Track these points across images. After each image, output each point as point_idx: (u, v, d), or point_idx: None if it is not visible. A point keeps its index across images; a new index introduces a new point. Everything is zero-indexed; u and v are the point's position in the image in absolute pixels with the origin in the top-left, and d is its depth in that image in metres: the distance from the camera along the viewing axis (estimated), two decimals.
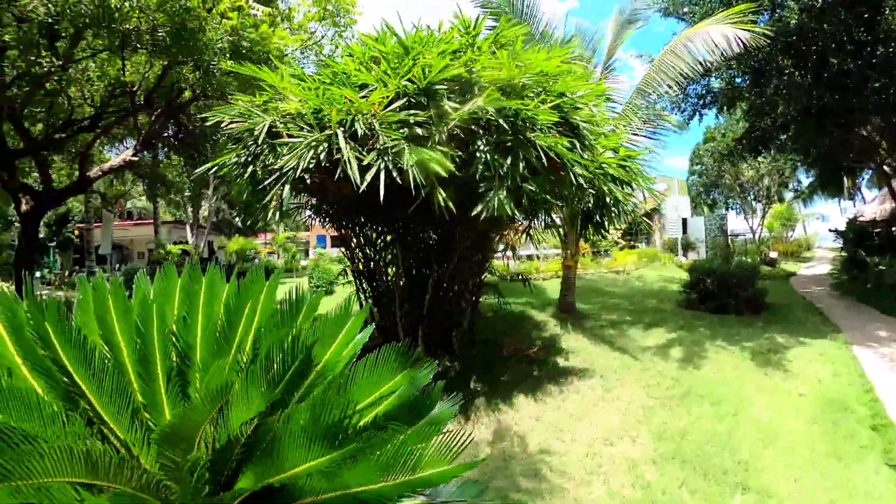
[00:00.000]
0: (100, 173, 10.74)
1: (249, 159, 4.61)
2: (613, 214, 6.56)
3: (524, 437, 5.37)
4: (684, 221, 21.40)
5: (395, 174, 3.93)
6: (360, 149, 4.12)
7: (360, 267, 6.50)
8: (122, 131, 12.08)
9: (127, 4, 6.68)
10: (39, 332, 1.98)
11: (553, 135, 4.87)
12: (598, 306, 10.63)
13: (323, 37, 9.91)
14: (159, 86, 8.74)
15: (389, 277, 6.24)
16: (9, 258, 17.65)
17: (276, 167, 4.19)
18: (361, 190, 3.88)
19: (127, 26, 6.93)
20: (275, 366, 2.11)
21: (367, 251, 6.50)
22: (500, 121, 4.47)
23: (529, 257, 15.83)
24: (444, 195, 4.16)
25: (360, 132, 4.11)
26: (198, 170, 7.25)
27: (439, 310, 6.12)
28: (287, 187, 4.11)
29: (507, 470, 4.71)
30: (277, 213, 4.41)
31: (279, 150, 4.33)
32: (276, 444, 1.87)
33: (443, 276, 5.98)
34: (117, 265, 23.43)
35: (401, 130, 4.26)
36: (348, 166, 3.92)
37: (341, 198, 5.46)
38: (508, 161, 4.54)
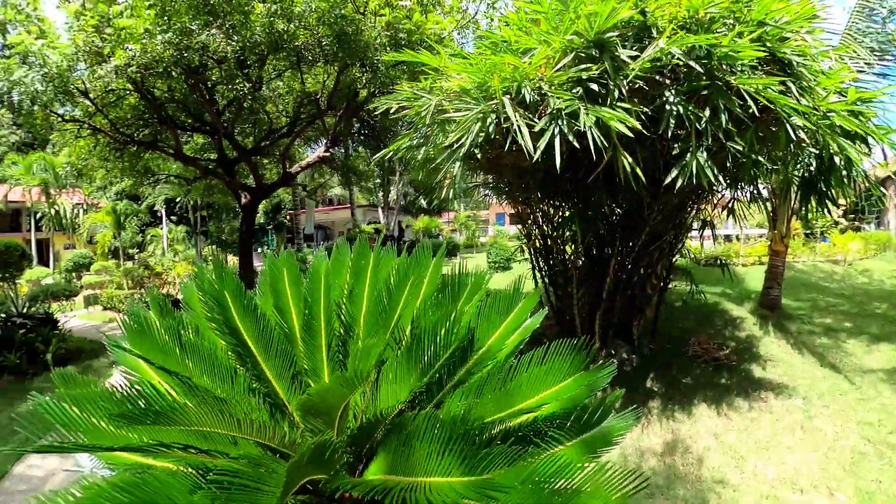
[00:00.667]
0: (299, 169, 13.20)
1: (421, 141, 4.66)
2: (844, 180, 5.06)
3: (698, 456, 4.51)
4: None
5: (571, 138, 3.51)
6: (530, 116, 3.80)
7: (537, 244, 6.18)
8: (314, 133, 14.26)
9: (292, 26, 7.55)
10: (218, 298, 2.11)
11: (759, 76, 3.87)
12: (809, 305, 8.53)
13: (476, 13, 9.95)
14: (336, 89, 9.76)
15: (567, 256, 5.79)
16: (236, 239, 22.93)
17: (445, 145, 4.12)
18: (536, 160, 3.55)
19: (297, 44, 7.86)
20: (430, 347, 1.95)
21: (544, 227, 6.13)
22: (692, 63, 3.69)
23: (728, 238, 13.42)
24: (629, 160, 3.59)
25: (528, 98, 3.79)
26: (375, 156, 7.87)
27: (620, 294, 5.47)
28: (458, 164, 4.01)
29: (670, 492, 3.97)
30: (451, 192, 4.36)
31: (447, 128, 4.27)
32: (413, 441, 1.62)
33: (626, 257, 5.31)
34: (322, 242, 28.25)
35: (573, 91, 3.81)
36: (518, 135, 3.63)
37: (517, 172, 5.22)
38: (706, 113, 3.73)
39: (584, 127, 3.45)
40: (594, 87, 3.76)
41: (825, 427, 4.86)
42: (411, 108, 4.88)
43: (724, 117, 3.72)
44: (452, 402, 1.96)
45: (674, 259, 6.01)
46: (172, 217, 30.20)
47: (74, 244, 28.42)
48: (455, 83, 4.57)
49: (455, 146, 3.99)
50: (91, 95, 9.12)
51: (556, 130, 3.57)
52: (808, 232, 13.07)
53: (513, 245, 12.95)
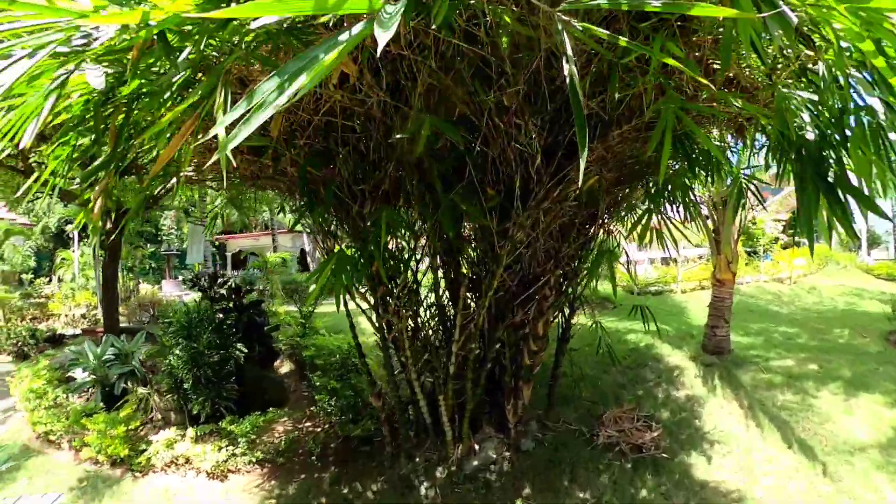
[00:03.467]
0: (163, 191, 10.34)
1: None
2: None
3: None
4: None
5: None
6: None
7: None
8: None
9: None
10: None
11: None
12: (762, 341, 7.04)
13: None
14: None
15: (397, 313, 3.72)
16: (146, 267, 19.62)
17: None
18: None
19: None
20: None
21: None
22: None
23: (665, 261, 11.85)
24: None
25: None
26: None
27: (473, 368, 3.54)
28: None
29: None
30: None
31: None
32: None
33: (475, 315, 3.36)
34: (238, 270, 25.17)
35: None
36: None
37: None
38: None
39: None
40: None
41: None
42: None
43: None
44: None
45: (575, 289, 4.03)
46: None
47: None
48: None
49: None
50: None
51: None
52: (750, 250, 11.94)
53: None
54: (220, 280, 8.07)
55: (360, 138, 3.12)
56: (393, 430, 4.37)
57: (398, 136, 2.56)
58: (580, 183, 2.35)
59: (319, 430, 5.82)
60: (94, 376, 6.43)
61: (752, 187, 3.52)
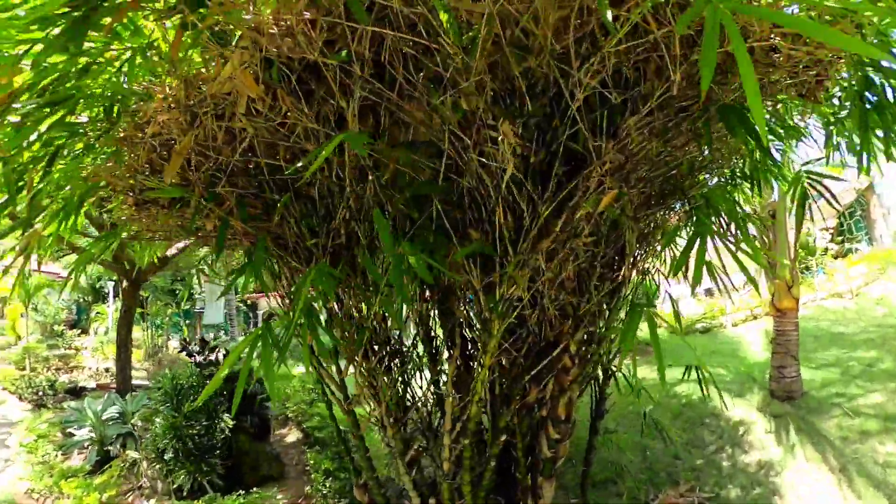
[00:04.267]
0: (175, 251, 10.16)
1: None
2: None
3: None
4: None
5: None
6: None
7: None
8: None
9: None
10: None
11: None
12: (838, 373, 5.83)
13: None
14: None
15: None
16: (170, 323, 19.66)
17: None
18: None
19: None
20: None
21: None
22: None
23: (709, 292, 10.46)
24: None
25: None
26: None
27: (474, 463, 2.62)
28: None
29: None
30: None
31: None
32: None
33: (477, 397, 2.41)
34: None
35: None
36: None
37: None
38: None
39: None
40: None
41: None
42: None
43: None
44: None
45: (606, 367, 3.05)
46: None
47: None
48: None
49: None
50: None
51: None
52: (801, 266, 10.63)
53: None
54: (211, 345, 7.53)
55: (299, 180, 2.40)
56: None
57: (300, 164, 1.82)
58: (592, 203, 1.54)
59: None
60: (92, 435, 6.11)
61: (821, 188, 2.64)
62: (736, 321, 8.17)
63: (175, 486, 5.25)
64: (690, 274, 2.12)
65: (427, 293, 2.85)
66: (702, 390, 2.61)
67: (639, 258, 2.63)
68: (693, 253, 2.10)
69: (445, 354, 2.93)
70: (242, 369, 1.85)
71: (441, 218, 2.10)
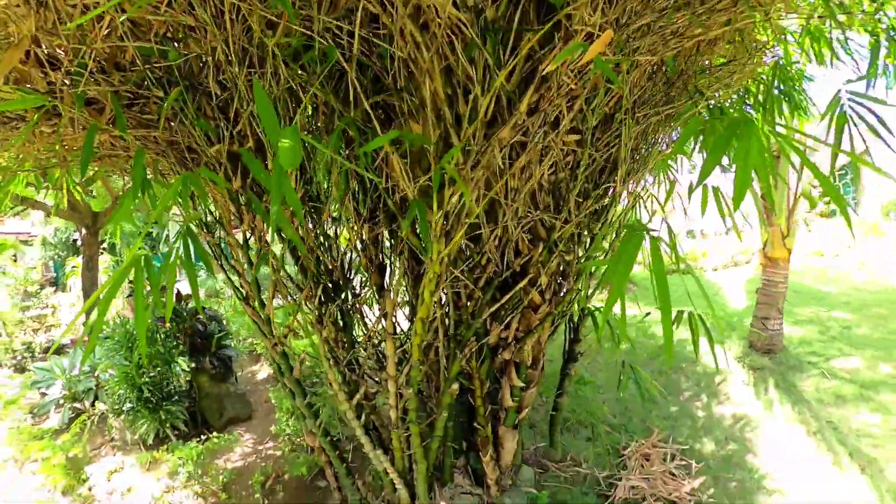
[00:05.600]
0: None
1: None
2: None
3: None
4: None
5: None
6: None
7: None
8: None
9: None
10: None
11: None
12: (816, 332, 5.62)
13: None
14: None
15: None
16: None
17: None
18: None
19: None
20: None
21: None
22: None
23: (691, 233, 10.06)
24: None
25: None
26: None
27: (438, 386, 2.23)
28: None
29: None
30: None
31: None
32: None
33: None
34: None
35: None
36: None
37: None
38: None
39: None
40: None
41: None
42: None
43: None
44: None
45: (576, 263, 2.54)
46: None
47: None
48: None
49: None
50: None
51: None
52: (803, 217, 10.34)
53: None
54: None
55: (188, 72, 1.78)
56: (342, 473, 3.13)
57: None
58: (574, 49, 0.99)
59: (280, 454, 4.82)
60: (65, 392, 5.73)
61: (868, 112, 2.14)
62: (716, 266, 7.93)
63: (136, 436, 5.01)
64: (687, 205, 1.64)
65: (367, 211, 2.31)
66: (694, 340, 2.21)
67: (633, 172, 2.10)
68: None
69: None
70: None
71: (367, 104, 1.53)
